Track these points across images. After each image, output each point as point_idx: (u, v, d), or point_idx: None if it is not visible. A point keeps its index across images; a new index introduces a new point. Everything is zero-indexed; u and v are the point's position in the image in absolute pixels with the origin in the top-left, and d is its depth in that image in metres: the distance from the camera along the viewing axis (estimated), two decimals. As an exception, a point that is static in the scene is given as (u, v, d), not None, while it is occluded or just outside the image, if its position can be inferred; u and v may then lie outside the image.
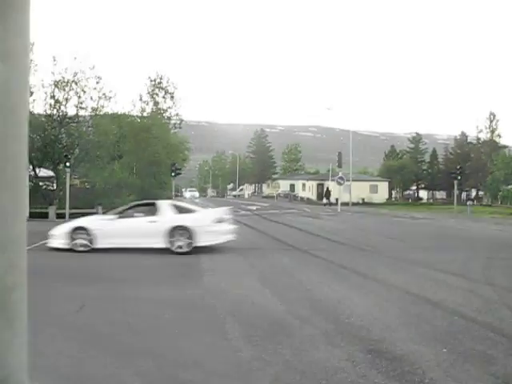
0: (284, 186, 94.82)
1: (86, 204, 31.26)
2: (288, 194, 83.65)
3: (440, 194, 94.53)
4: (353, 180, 63.24)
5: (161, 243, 15.65)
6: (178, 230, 15.80)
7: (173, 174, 41.24)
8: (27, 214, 0.97)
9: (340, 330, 7.27)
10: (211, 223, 16.12)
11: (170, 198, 42.13)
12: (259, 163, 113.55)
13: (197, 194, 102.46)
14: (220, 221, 16.31)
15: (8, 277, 0.95)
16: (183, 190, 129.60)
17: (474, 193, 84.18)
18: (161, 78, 53.08)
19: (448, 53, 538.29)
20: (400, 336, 6.97)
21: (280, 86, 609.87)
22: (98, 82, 34.56)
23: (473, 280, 11.42)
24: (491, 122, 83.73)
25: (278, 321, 7.78)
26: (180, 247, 15.71)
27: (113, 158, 37.11)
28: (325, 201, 67.16)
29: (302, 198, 78.87)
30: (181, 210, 16.80)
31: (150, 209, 16.69)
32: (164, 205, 16.77)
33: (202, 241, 15.78)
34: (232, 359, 6.09)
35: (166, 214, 16.22)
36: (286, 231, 24.78)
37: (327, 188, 70.33)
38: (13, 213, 0.95)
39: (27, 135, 0.98)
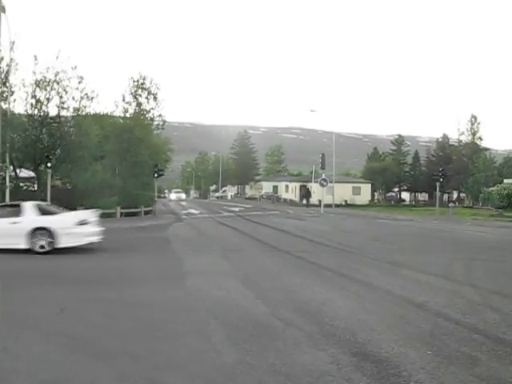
0: (267, 187, 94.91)
1: (67, 205, 30.88)
2: (271, 196, 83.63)
3: (422, 196, 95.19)
4: (336, 182, 63.38)
5: (22, 244, 15.74)
6: (39, 231, 15.88)
7: (155, 175, 40.99)
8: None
9: (324, 332, 7.21)
10: (73, 225, 16.21)
11: (152, 199, 41.90)
12: (242, 164, 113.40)
13: (183, 195, 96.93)
14: (83, 223, 16.32)
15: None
16: (166, 191, 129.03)
17: (455, 195, 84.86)
18: (144, 79, 52.72)
19: (430, 56, 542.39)
20: (384, 338, 6.93)
21: (263, 88, 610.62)
22: (80, 82, 34.13)
23: (456, 281, 11.45)
24: (473, 124, 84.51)
25: (262, 323, 7.70)
26: (42, 247, 15.81)
27: (95, 159, 36.73)
28: (304, 202, 67.51)
29: (285, 200, 78.92)
30: (44, 212, 16.84)
31: (15, 210, 16.67)
32: (28, 206, 16.73)
33: (63, 242, 15.92)
34: (216, 363, 6.00)
35: (29, 216, 16.25)
36: (269, 233, 24.73)
37: (307, 189, 70.68)
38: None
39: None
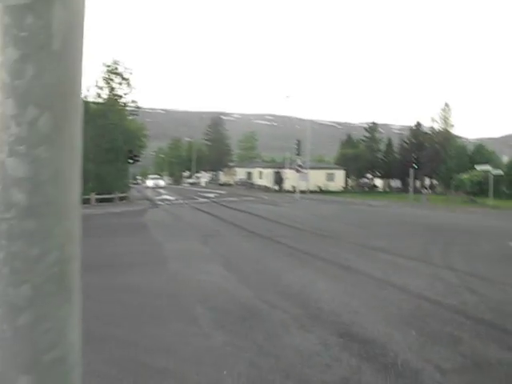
0: (241, 173, 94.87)
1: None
2: (245, 182, 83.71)
3: (395, 183, 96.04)
4: (310, 168, 63.62)
5: None
6: None
7: (131, 161, 40.71)
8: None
9: (309, 314, 7.31)
10: None
11: (127, 185, 41.62)
12: (216, 151, 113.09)
13: (161, 182, 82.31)
14: None
15: (67, 246, 0.90)
16: (139, 177, 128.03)
17: (427, 181, 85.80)
18: (117, 64, 52.10)
19: (403, 45, 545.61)
20: (369, 319, 7.06)
21: (236, 74, 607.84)
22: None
23: (433, 265, 11.66)
24: (445, 112, 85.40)
25: (247, 306, 7.78)
26: None
27: (68, 145, 36.33)
28: (276, 187, 67.92)
29: (259, 186, 79.03)
30: None
31: None
32: None
33: None
34: (205, 345, 6.06)
35: None
36: (246, 218, 24.79)
37: (279, 175, 71.12)
38: (71, 176, 0.90)
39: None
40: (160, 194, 53.85)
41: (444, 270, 10.92)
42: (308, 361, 5.51)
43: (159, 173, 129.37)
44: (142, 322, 7.06)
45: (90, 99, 47.33)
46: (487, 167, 47.28)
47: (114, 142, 38.56)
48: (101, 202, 35.88)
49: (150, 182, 79.19)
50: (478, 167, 50.17)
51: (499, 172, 47.03)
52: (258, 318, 7.12)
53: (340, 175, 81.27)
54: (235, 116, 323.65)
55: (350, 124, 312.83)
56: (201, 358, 5.67)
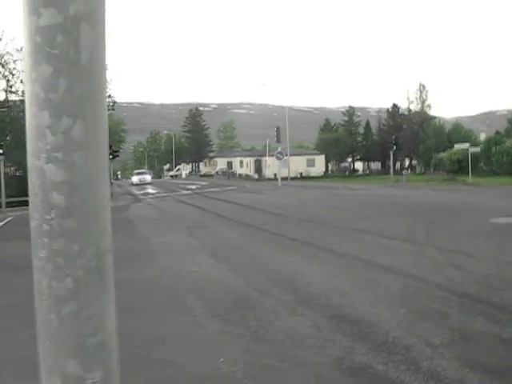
0: (221, 163, 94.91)
1: (19, 192, 30.39)
2: (226, 172, 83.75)
3: (375, 165, 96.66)
4: (290, 154, 63.80)
5: None
6: None
7: (110, 157, 40.54)
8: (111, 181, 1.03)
9: (300, 299, 7.45)
10: None
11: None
12: (195, 142, 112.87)
13: (148, 177, 70.06)
14: None
15: (102, 242, 1.00)
16: (119, 172, 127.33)
17: (407, 162, 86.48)
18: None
19: (376, 28, 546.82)
20: (358, 300, 7.22)
21: (211, 64, 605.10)
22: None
23: (419, 244, 11.87)
24: (421, 93, 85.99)
25: (239, 294, 7.89)
26: None
27: (47, 144, 36.05)
28: (256, 176, 68.25)
29: (240, 175, 79.17)
30: None
31: None
32: None
33: None
34: (200, 335, 6.16)
35: None
36: (230, 208, 24.89)
37: (259, 163, 71.49)
38: (101, 178, 1.00)
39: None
40: (142, 188, 53.73)
41: (428, 249, 11.13)
42: (302, 343, 5.65)
43: (139, 167, 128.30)
44: (135, 315, 7.14)
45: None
46: (465, 145, 47.82)
47: (92, 138, 38.28)
48: (83, 199, 35.73)
49: (135, 178, 67.34)
50: (457, 146, 50.71)
51: (477, 150, 47.61)
52: (250, 306, 7.24)
53: (320, 160, 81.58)
54: (212, 106, 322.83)
55: (326, 109, 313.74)
56: (197, 347, 5.78)
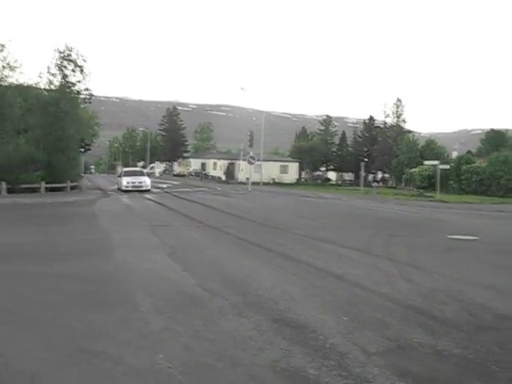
0: (195, 164, 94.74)
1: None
2: (199, 173, 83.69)
3: (348, 176, 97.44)
4: (264, 160, 64.05)
5: None
6: None
7: (82, 150, 40.24)
8: None
9: (248, 301, 7.54)
10: None
11: (78, 175, 41.08)
12: (171, 141, 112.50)
13: (146, 180, 42.29)
14: None
15: None
16: (92, 167, 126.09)
17: (380, 175, 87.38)
18: (70, 50, 51.14)
19: (358, 40, 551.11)
20: (305, 306, 7.33)
21: (193, 64, 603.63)
22: (1, 50, 32.90)
23: (375, 255, 12.05)
24: (398, 107, 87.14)
25: (188, 294, 7.95)
26: None
27: (18, 132, 35.64)
28: (225, 179, 68.57)
29: (213, 177, 79.10)
30: None
31: None
32: None
33: None
34: (143, 330, 6.21)
35: None
36: (196, 209, 24.92)
37: (229, 167, 71.84)
38: None
39: None
40: (113, 184, 53.36)
41: (383, 260, 11.30)
42: (241, 344, 5.73)
43: (113, 162, 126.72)
44: (83, 308, 7.16)
45: (42, 86, 46.41)
46: (435, 162, 48.49)
47: (65, 131, 37.96)
48: (51, 190, 35.44)
49: (124, 181, 41.08)
50: (427, 162, 51.42)
51: (446, 167, 48.29)
52: (198, 305, 7.31)
53: (294, 167, 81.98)
54: (191, 106, 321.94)
55: (305, 116, 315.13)
56: (139, 342, 5.83)
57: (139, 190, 39.43)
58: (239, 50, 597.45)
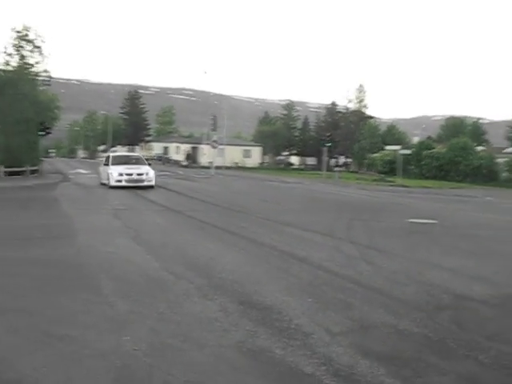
0: (158, 148, 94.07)
1: None
2: (161, 157, 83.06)
3: (311, 161, 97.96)
4: (227, 144, 63.93)
5: None
6: None
7: (42, 134, 39.49)
8: None
9: (213, 284, 7.58)
10: None
11: (38, 158, 40.31)
12: (132, 125, 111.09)
13: (149, 171, 27.77)
14: None
15: None
16: (52, 150, 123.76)
17: (342, 160, 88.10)
18: (28, 30, 49.96)
19: (319, 23, 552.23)
20: (269, 289, 7.41)
21: (154, 47, 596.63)
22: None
23: (337, 238, 12.21)
24: (360, 93, 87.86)
25: (153, 277, 7.95)
26: None
27: (-27, 115, 34.73)
28: (185, 163, 68.51)
29: (175, 161, 78.64)
30: None
31: None
32: None
33: None
34: (108, 314, 6.20)
35: None
36: (159, 193, 24.78)
37: (190, 151, 72.00)
38: None
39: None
40: (73, 168, 52.63)
41: (346, 243, 11.47)
42: (207, 326, 5.78)
43: (74, 146, 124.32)
44: (46, 292, 7.10)
45: (-1, 66, 45.18)
46: (396, 147, 49.19)
47: (24, 113, 37.09)
48: (10, 175, 34.67)
49: (116, 172, 27.17)
50: (388, 147, 52.11)
51: (407, 152, 49.04)
52: (163, 288, 7.32)
53: (257, 152, 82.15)
54: (153, 89, 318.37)
55: (267, 100, 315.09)
56: (104, 325, 5.82)
57: (139, 187, 26.15)
58: (202, 32, 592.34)
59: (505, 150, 61.58)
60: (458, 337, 5.77)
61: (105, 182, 27.63)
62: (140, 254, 9.78)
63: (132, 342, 5.25)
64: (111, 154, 32.95)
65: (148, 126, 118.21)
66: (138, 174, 26.85)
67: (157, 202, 20.12)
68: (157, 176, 28.51)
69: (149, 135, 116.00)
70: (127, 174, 26.52)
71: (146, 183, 26.66)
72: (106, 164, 28.51)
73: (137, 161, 30.42)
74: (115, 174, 26.50)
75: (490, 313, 6.87)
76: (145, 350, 5.06)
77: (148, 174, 27.20)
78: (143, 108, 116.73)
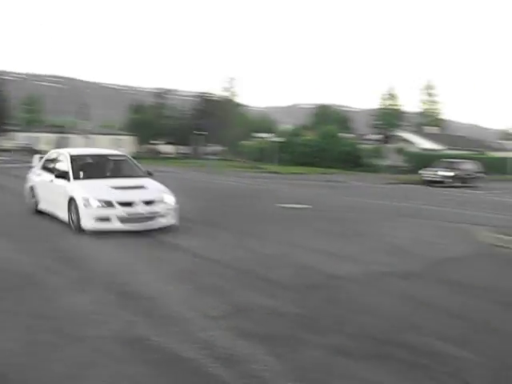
0: (24, 138, 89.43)
1: None
2: (27, 147, 79.13)
3: (184, 149, 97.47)
4: (97, 134, 62.19)
5: None
6: None
7: None
8: None
9: (87, 277, 7.44)
10: None
11: None
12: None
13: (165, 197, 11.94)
14: None
15: None
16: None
17: (215, 148, 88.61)
18: None
19: (188, 13, 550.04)
20: (145, 278, 7.39)
21: (11, 28, 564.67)
22: None
23: (208, 226, 12.32)
24: (232, 82, 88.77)
25: (26, 273, 7.62)
26: None
27: None
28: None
29: (44, 152, 75.30)
30: None
31: None
32: None
33: None
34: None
35: None
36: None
37: (64, 141, 69.98)
38: None
39: None
40: None
41: (220, 231, 11.64)
42: (84, 319, 5.69)
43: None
44: None
45: None
46: (268, 135, 50.32)
47: None
48: None
49: (92, 194, 11.02)
50: (260, 135, 53.19)
51: (279, 139, 50.30)
52: (36, 284, 7.07)
53: (128, 141, 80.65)
54: (16, 75, 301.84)
55: (137, 88, 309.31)
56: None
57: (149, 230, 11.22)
58: (68, 15, 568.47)
59: (367, 136, 65.09)
60: (328, 313, 6.13)
61: (53, 211, 12.63)
62: (9, 249, 9.32)
63: (4, 340, 5.07)
64: (68, 153, 13.35)
65: (13, 115, 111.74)
66: (147, 203, 11.34)
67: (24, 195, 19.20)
68: (25, 168, 27.14)
69: (15, 124, 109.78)
70: (123, 204, 11.07)
71: (161, 223, 11.47)
72: (60, 176, 12.43)
73: (122, 166, 14.97)
74: (93, 201, 10.99)
75: (358, 289, 7.32)
76: (18, 348, 4.89)
77: (162, 198, 11.78)
78: (7, 96, 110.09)
